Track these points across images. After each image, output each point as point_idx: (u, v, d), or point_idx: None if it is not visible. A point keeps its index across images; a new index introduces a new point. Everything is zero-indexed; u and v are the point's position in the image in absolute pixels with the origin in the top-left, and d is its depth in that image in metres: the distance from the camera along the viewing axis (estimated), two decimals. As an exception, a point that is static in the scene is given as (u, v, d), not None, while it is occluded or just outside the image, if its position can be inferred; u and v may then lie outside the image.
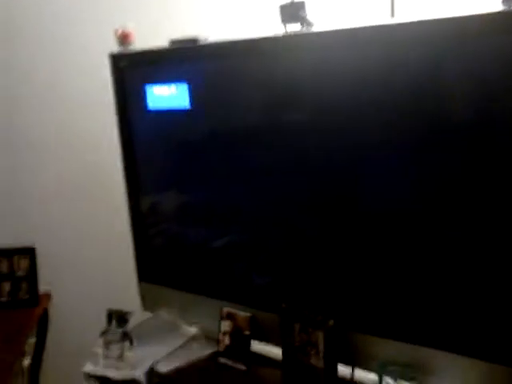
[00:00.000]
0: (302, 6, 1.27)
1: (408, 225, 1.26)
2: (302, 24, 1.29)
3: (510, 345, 1.14)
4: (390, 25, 1.19)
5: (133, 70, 1.66)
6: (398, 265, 1.29)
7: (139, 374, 1.52)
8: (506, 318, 1.15)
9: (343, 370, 1.40)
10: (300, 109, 1.37)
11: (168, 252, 1.77)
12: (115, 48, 1.65)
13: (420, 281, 1.26)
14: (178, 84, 1.55)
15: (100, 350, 1.57)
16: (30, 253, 2.05)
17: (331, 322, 1.33)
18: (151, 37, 1.55)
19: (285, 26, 1.32)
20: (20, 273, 2.05)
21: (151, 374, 1.54)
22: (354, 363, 1.39)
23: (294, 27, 1.31)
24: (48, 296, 2.12)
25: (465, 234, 1.18)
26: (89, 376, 1.56)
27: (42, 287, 2.08)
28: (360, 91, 1.25)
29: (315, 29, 1.30)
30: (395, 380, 1.30)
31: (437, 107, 1.15)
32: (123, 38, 1.63)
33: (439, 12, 1.08)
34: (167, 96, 1.59)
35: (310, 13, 1.30)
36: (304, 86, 1.34)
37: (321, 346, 1.36)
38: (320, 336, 1.36)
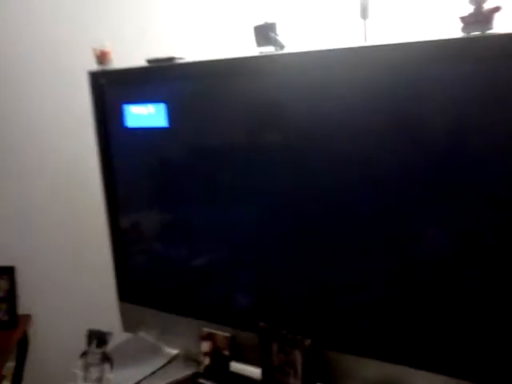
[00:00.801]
0: (273, 27, 1.29)
1: (384, 247, 1.27)
2: (274, 45, 1.30)
3: (488, 364, 1.15)
4: (361, 47, 1.20)
5: (112, 88, 1.67)
6: (376, 285, 1.30)
7: (119, 396, 1.51)
8: (481, 339, 1.16)
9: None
10: (274, 128, 1.39)
11: (148, 272, 1.76)
12: (94, 67, 1.66)
13: (397, 301, 1.27)
14: (156, 103, 1.56)
15: (80, 372, 1.55)
16: (9, 272, 2.03)
17: (308, 342, 1.33)
18: (128, 56, 1.56)
19: (259, 48, 1.34)
20: (-1, 294, 2.03)
21: (131, 396, 1.53)
22: (332, 382, 1.39)
23: (268, 49, 1.33)
24: (27, 317, 2.09)
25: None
26: (68, 399, 1.54)
27: (22, 309, 2.05)
28: (332, 111, 1.26)
29: (288, 50, 1.32)
30: (373, 399, 1.31)
31: (405, 127, 1.17)
32: (101, 57, 1.64)
33: (408, 36, 1.12)
34: (145, 115, 1.59)
35: (284, 35, 1.32)
36: (279, 106, 1.35)
37: (299, 366, 1.35)
38: (298, 355, 1.35)
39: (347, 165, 1.27)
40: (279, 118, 1.36)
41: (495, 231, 1.11)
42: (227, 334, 1.53)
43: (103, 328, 1.58)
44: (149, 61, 1.55)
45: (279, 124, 1.37)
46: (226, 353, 1.52)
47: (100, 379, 1.54)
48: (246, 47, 1.41)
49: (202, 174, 1.55)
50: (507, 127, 1.05)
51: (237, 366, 1.56)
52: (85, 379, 1.55)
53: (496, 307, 1.13)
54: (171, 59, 1.50)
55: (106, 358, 1.55)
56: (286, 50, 1.33)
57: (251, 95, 1.40)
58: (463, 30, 1.05)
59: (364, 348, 1.32)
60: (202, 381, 1.56)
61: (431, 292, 1.21)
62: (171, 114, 1.54)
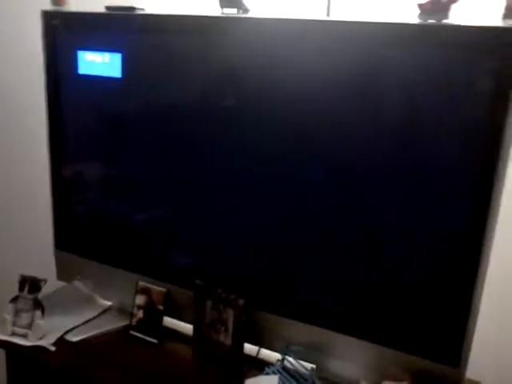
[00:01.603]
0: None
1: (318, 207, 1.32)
2: (238, 8, 1.30)
3: (404, 330, 1.24)
4: (321, 21, 1.23)
5: (66, 31, 1.61)
6: (309, 249, 1.35)
7: (48, 342, 1.51)
8: (402, 306, 1.25)
9: (250, 347, 1.46)
10: (226, 91, 1.40)
11: (88, 222, 1.74)
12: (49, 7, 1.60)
13: (328, 265, 1.33)
14: (112, 52, 1.52)
15: (9, 317, 1.54)
16: None
17: (242, 302, 1.38)
18: (87, 1, 1.51)
19: (222, 9, 1.34)
20: None
21: (61, 342, 1.53)
22: (260, 342, 1.45)
23: (231, 11, 1.33)
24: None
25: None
26: (-5, 341, 1.53)
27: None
28: (285, 79, 1.29)
29: (252, 14, 1.32)
30: (297, 360, 1.38)
31: (355, 99, 1.23)
32: (57, -3, 1.58)
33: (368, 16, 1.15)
34: (99, 63, 1.56)
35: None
36: (235, 69, 1.36)
37: (230, 324, 1.40)
38: (230, 314, 1.40)
39: (295, 131, 1.31)
40: (234, 80, 1.37)
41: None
42: (163, 289, 1.55)
43: (37, 275, 1.57)
44: (108, 8, 1.51)
45: (233, 87, 1.38)
46: (160, 307, 1.55)
47: (30, 325, 1.54)
48: (209, 7, 1.40)
49: (150, 128, 1.54)
50: (450, 112, 1.11)
51: (170, 321, 1.60)
52: (14, 324, 1.54)
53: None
54: (131, 9, 1.47)
55: (38, 305, 1.55)
56: (248, 14, 1.33)
57: (209, 55, 1.39)
58: (420, 16, 1.09)
59: (292, 311, 1.38)
60: (133, 333, 1.58)
61: (358, 258, 1.29)
62: (126, 65, 1.51)
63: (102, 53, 1.54)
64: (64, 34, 1.61)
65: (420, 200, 1.19)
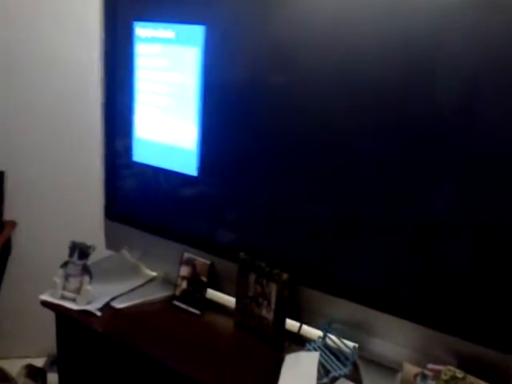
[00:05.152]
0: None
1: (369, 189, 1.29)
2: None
3: (454, 313, 1.20)
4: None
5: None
6: (356, 228, 1.33)
7: (95, 307, 1.55)
8: (446, 289, 1.21)
9: (291, 323, 1.45)
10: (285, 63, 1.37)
11: (137, 194, 1.77)
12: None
13: (375, 244, 1.30)
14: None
15: (59, 281, 1.59)
16: (-2, 176, 2.03)
17: (285, 276, 1.37)
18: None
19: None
20: (-14, 196, 2.04)
21: (106, 308, 1.57)
22: (302, 318, 1.44)
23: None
24: (12, 224, 2.11)
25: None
26: (45, 305, 1.58)
27: (8, 215, 2.07)
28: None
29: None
30: (339, 338, 1.36)
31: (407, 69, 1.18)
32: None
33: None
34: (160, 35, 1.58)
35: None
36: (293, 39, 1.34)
37: (273, 299, 1.40)
38: (273, 289, 1.40)
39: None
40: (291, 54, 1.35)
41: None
42: (207, 261, 1.57)
43: (86, 242, 1.61)
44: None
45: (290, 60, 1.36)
46: (204, 279, 1.57)
47: (78, 290, 1.58)
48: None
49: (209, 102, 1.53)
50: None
51: (213, 294, 1.62)
52: (64, 288, 1.59)
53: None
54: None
55: (86, 271, 1.59)
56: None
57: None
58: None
59: (337, 288, 1.36)
60: (177, 303, 1.61)
61: (405, 242, 1.25)
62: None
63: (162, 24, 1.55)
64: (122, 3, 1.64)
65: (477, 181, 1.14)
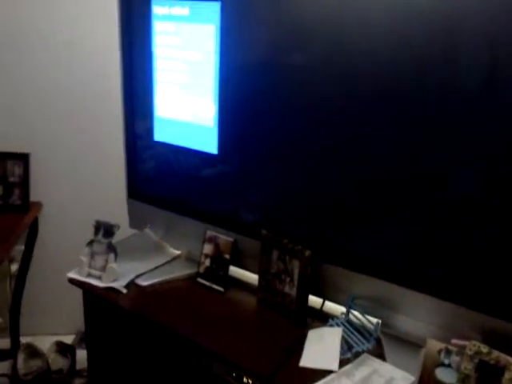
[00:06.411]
0: None
1: (395, 167, 1.28)
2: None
3: (477, 288, 1.19)
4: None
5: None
6: (379, 203, 1.31)
7: (120, 284, 1.58)
8: (471, 265, 1.19)
9: (314, 300, 1.46)
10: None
11: (160, 173, 1.78)
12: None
13: (398, 219, 1.29)
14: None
15: (85, 259, 1.62)
16: (23, 158, 2.06)
17: (308, 253, 1.37)
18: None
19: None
20: (13, 179, 2.07)
21: (132, 285, 1.60)
22: (325, 295, 1.45)
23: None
24: (39, 205, 2.15)
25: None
26: (72, 282, 1.62)
27: (34, 196, 2.11)
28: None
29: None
30: (362, 314, 1.36)
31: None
32: None
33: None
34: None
35: None
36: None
37: (295, 276, 1.40)
38: (296, 265, 1.40)
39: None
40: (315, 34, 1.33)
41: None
42: (230, 239, 1.58)
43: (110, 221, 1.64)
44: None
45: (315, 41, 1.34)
46: (227, 256, 1.58)
47: (104, 268, 1.61)
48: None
49: (230, 83, 1.52)
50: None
51: (236, 271, 1.63)
52: (89, 265, 1.62)
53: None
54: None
55: (112, 249, 1.62)
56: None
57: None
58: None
59: (360, 264, 1.36)
60: (200, 280, 1.63)
61: (427, 218, 1.23)
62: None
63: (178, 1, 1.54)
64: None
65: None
